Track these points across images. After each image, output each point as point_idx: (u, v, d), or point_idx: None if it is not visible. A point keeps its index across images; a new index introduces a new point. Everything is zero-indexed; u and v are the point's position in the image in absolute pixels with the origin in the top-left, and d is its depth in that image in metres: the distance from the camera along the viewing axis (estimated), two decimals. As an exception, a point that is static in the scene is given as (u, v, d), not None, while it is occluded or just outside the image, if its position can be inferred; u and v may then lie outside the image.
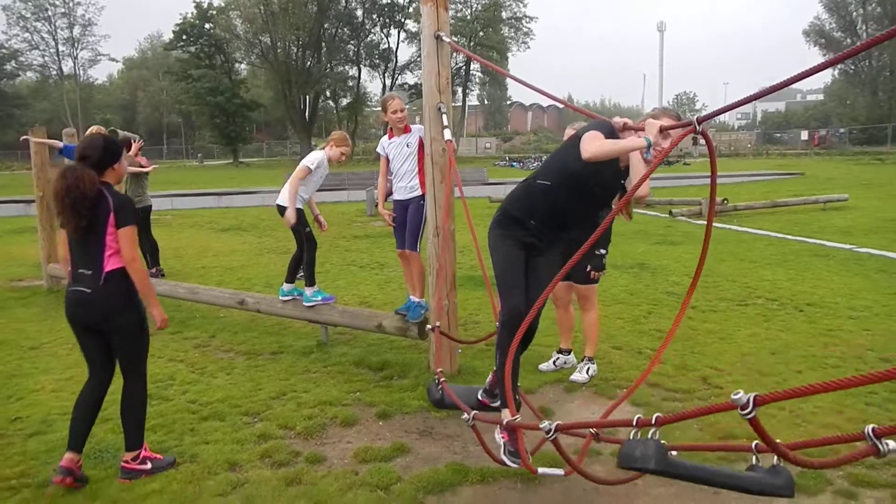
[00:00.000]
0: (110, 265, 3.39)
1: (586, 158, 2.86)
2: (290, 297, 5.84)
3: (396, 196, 5.16)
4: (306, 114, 53.75)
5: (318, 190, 5.74)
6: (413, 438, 3.91)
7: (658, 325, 6.16)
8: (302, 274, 5.70)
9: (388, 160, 5.19)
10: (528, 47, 60.02)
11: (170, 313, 6.48)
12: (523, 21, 58.61)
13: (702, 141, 2.50)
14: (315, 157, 5.43)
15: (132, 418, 3.58)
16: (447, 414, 4.23)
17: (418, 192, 5.08)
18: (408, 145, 5.07)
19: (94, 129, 7.05)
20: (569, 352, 5.05)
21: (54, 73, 63.88)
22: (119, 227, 3.35)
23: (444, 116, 4.58)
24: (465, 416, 3.00)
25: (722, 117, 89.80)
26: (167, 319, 3.60)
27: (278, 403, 4.42)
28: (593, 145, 2.86)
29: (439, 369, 3.75)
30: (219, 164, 55.56)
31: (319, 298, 5.66)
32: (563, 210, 3.25)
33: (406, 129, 5.09)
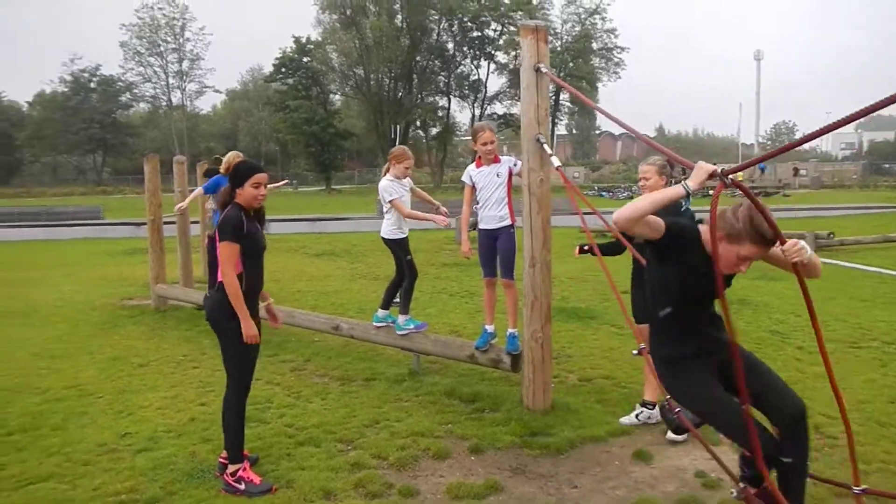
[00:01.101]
0: (219, 276, 3.68)
1: (618, 227, 2.56)
2: (383, 324, 5.90)
3: (484, 225, 5.15)
4: (396, 143, 54.88)
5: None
6: (506, 476, 3.84)
7: (763, 367, 5.84)
8: (398, 300, 5.77)
9: (473, 189, 5.20)
10: (619, 77, 59.31)
11: (267, 336, 6.64)
12: (614, 52, 58.14)
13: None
14: (389, 189, 5.48)
15: (225, 425, 3.77)
16: (540, 451, 4.14)
17: (508, 222, 5.07)
18: (498, 175, 5.06)
19: (230, 154, 7.08)
20: (654, 405, 4.65)
21: (164, 104, 68.00)
22: (220, 241, 3.62)
23: (546, 146, 4.56)
24: (734, 491, 2.84)
25: (823, 146, 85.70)
26: (255, 336, 3.66)
27: (371, 432, 4.45)
28: (621, 212, 2.52)
29: (668, 397, 3.44)
30: (312, 190, 57.42)
31: (412, 326, 5.70)
32: (703, 320, 2.89)
33: (495, 160, 5.10)
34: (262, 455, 4.06)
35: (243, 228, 3.62)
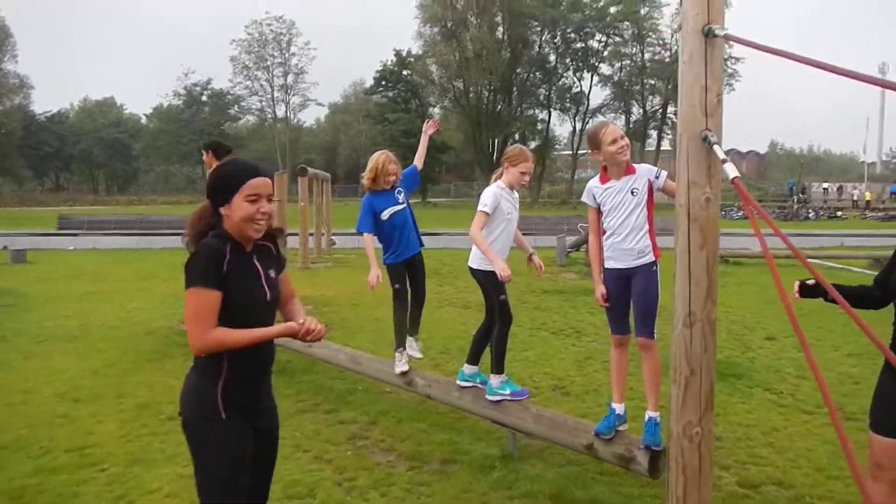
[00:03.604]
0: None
1: None
2: (470, 384, 4.52)
3: (613, 263, 3.65)
4: (494, 156, 53.79)
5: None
6: None
7: None
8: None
9: (599, 212, 3.72)
10: (733, 89, 55.49)
11: (330, 382, 5.37)
12: (729, 62, 54.57)
13: None
14: (487, 196, 4.15)
15: None
16: None
17: (650, 258, 3.57)
18: (633, 192, 3.57)
19: (378, 156, 4.95)
20: None
21: (269, 116, 69.69)
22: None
23: (717, 147, 3.01)
24: None
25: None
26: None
27: (444, 568, 3.03)
28: None
29: None
30: (408, 203, 57.06)
31: (507, 392, 4.27)
32: None
33: (629, 170, 3.61)
34: None
35: (222, 266, 2.19)
